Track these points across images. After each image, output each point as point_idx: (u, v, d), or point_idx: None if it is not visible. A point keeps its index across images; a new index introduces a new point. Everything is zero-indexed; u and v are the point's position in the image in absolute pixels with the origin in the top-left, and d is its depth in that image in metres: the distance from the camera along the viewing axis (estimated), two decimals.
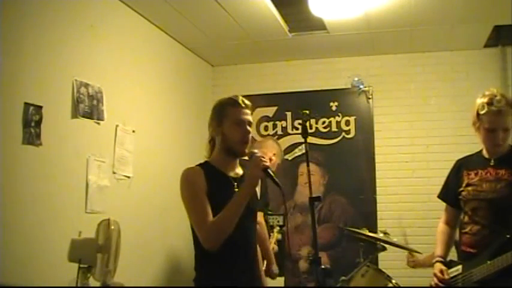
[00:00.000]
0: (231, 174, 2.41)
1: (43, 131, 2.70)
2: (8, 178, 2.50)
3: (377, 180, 4.78)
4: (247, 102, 2.43)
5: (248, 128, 2.40)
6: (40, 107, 2.69)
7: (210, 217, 2.24)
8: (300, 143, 4.91)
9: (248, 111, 2.42)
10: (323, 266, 2.13)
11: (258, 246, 2.58)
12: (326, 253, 4.69)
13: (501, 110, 2.58)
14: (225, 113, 2.41)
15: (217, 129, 2.42)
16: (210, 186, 2.32)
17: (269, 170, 2.27)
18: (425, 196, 4.38)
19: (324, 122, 4.97)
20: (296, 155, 4.97)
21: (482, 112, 2.63)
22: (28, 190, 2.63)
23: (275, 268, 3.50)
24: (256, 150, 2.36)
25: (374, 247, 3.71)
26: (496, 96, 2.61)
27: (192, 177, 2.35)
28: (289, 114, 5.07)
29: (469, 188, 2.69)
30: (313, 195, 2.24)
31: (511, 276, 2.40)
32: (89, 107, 3.10)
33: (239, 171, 2.46)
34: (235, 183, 2.38)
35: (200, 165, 2.42)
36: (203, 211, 2.26)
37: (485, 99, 2.63)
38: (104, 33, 3.34)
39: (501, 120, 2.60)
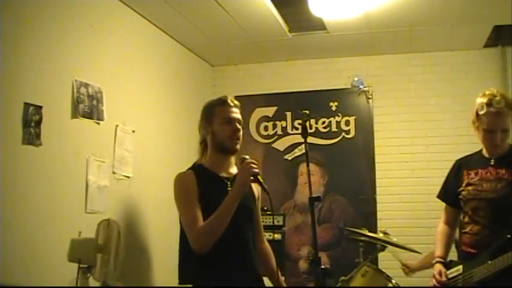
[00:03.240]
0: (224, 174, 2.43)
1: (43, 131, 2.70)
2: (8, 178, 2.49)
3: (377, 180, 4.78)
4: (235, 102, 2.50)
5: (238, 125, 2.42)
6: (40, 107, 2.69)
7: (200, 220, 2.27)
8: (300, 143, 4.90)
9: (237, 110, 2.48)
10: (323, 266, 2.14)
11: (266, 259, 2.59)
12: (326, 253, 4.69)
13: (500, 111, 2.57)
14: (214, 112, 2.46)
15: (207, 129, 2.47)
16: (202, 188, 2.35)
17: (259, 177, 2.31)
18: (426, 196, 4.38)
19: (323, 122, 4.97)
20: (296, 155, 4.96)
21: (481, 112, 2.63)
22: (28, 190, 2.62)
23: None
24: (247, 156, 2.38)
25: (374, 247, 3.71)
26: (495, 96, 2.60)
27: (183, 181, 2.38)
28: (289, 114, 5.07)
29: (469, 188, 2.68)
30: (313, 195, 2.25)
31: (511, 276, 2.39)
32: (88, 107, 3.10)
33: (233, 170, 2.47)
34: (228, 183, 2.39)
35: (192, 168, 2.44)
36: (193, 214, 2.29)
37: (485, 100, 2.62)
38: (104, 33, 3.34)
39: (500, 122, 2.59)
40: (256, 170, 2.31)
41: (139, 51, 3.82)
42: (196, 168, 2.45)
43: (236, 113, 2.47)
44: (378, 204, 4.74)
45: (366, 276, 3.38)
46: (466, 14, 3.95)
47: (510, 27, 4.15)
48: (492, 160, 2.67)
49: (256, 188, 2.55)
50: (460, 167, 2.80)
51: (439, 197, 2.93)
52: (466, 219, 2.72)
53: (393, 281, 3.35)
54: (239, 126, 2.44)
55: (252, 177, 2.31)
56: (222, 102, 2.47)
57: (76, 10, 3.07)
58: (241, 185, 2.31)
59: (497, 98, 2.59)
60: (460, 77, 4.72)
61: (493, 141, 2.62)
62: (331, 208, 4.85)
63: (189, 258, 2.39)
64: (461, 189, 2.73)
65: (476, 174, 2.69)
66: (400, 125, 4.81)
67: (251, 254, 2.45)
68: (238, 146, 2.41)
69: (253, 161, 2.34)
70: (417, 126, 4.77)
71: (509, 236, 2.46)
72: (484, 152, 2.73)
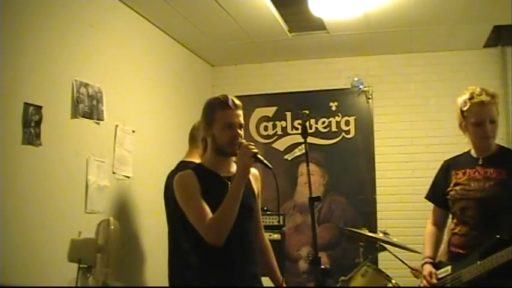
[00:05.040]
0: (224, 173, 2.42)
1: (43, 131, 2.70)
2: (8, 178, 2.50)
3: (377, 180, 4.79)
4: (237, 102, 2.42)
5: (238, 130, 2.40)
6: (40, 107, 2.69)
7: (209, 213, 2.26)
8: (300, 143, 4.91)
9: (239, 112, 2.41)
10: (323, 266, 2.14)
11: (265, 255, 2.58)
12: (326, 253, 4.69)
13: (483, 100, 2.56)
14: (214, 115, 2.40)
15: (207, 131, 2.43)
16: (203, 187, 2.33)
17: (258, 155, 2.29)
18: None
19: (323, 122, 4.97)
20: (296, 155, 4.97)
21: (465, 108, 2.61)
22: (28, 190, 2.63)
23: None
24: (243, 140, 2.37)
25: (374, 247, 3.71)
26: (475, 90, 2.61)
27: (185, 180, 2.37)
28: (289, 114, 5.07)
29: (457, 188, 2.65)
30: (313, 195, 2.25)
31: (500, 277, 2.37)
32: (88, 107, 3.10)
33: (233, 169, 2.46)
34: (229, 183, 2.38)
35: (192, 168, 2.43)
36: (201, 209, 2.27)
37: (466, 96, 2.63)
38: (103, 33, 3.34)
39: (486, 111, 2.57)
40: (255, 150, 2.30)
41: (139, 51, 3.83)
42: (195, 167, 2.44)
43: (237, 116, 2.40)
44: (378, 204, 4.75)
45: (365, 276, 3.38)
46: (466, 14, 3.95)
47: (510, 27, 4.15)
48: (480, 160, 2.64)
49: (256, 184, 2.55)
50: (448, 167, 2.77)
51: (427, 197, 2.91)
52: (455, 219, 2.70)
53: (393, 281, 3.35)
54: (240, 131, 2.41)
55: (252, 158, 2.30)
56: (223, 105, 2.40)
57: (76, 10, 3.07)
58: (244, 168, 2.30)
59: (478, 91, 2.60)
60: (460, 77, 4.71)
61: (484, 133, 2.58)
62: (331, 208, 4.85)
63: (180, 259, 2.38)
64: (449, 189, 2.70)
65: (464, 174, 2.66)
66: (400, 125, 4.82)
67: (252, 254, 2.45)
68: (238, 151, 2.39)
69: (251, 143, 2.34)
70: (417, 126, 4.78)
71: (498, 236, 2.44)
72: (473, 152, 2.70)
